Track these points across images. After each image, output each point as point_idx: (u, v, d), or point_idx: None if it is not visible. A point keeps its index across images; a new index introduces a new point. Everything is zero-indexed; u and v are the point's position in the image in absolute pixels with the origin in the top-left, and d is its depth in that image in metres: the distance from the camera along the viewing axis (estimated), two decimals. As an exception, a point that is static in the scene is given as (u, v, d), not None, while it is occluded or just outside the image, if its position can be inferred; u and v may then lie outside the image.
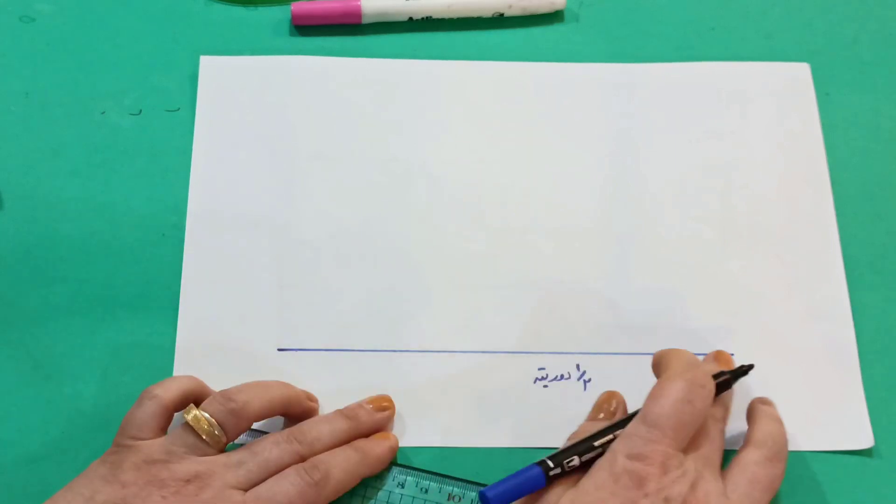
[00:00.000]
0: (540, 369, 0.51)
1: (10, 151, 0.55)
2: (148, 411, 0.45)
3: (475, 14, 0.60)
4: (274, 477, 0.44)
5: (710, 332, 0.52)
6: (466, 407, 0.50)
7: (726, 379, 0.46)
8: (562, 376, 0.51)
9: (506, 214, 0.55)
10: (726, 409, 0.47)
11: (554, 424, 0.50)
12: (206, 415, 0.45)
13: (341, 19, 0.59)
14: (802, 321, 0.53)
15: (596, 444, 0.44)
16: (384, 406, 0.49)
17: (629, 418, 0.44)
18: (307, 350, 0.51)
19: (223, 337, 0.51)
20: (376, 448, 0.47)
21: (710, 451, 0.44)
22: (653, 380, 0.46)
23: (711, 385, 0.44)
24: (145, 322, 0.52)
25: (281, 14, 0.60)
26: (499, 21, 0.60)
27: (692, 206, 0.55)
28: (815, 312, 0.53)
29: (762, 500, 0.44)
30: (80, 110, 0.56)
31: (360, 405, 0.49)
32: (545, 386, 0.51)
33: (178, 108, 0.57)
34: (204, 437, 0.44)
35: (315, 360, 0.51)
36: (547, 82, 0.58)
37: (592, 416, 0.48)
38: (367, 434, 0.48)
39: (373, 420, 0.48)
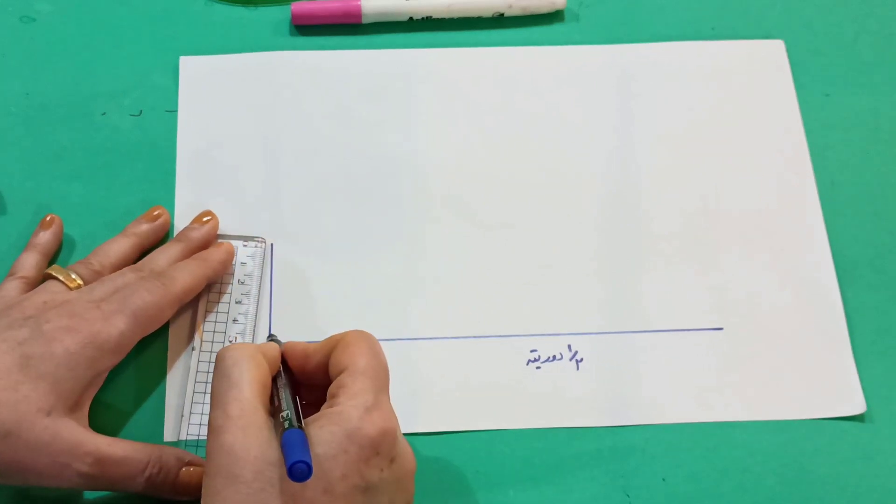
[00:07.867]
0: (532, 351, 0.51)
1: (12, 155, 0.55)
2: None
3: (475, 14, 0.60)
4: (123, 288, 0.47)
5: (698, 309, 0.53)
6: (460, 391, 0.50)
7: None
8: (554, 357, 0.51)
9: (496, 200, 0.55)
10: None
11: (547, 405, 0.50)
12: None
13: (341, 19, 0.59)
14: (789, 290, 0.53)
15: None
16: (205, 220, 0.53)
17: None
18: (300, 342, 0.51)
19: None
20: (214, 254, 0.52)
21: None
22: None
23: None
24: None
25: (281, 14, 0.60)
26: (499, 21, 0.60)
27: (674, 187, 0.56)
28: (802, 281, 0.53)
29: None
30: (81, 111, 0.56)
31: (185, 227, 0.53)
32: (538, 367, 0.51)
33: (178, 109, 0.57)
34: (60, 278, 0.48)
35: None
36: (528, 69, 0.59)
37: None
38: (201, 249, 0.52)
39: (200, 234, 0.52)
